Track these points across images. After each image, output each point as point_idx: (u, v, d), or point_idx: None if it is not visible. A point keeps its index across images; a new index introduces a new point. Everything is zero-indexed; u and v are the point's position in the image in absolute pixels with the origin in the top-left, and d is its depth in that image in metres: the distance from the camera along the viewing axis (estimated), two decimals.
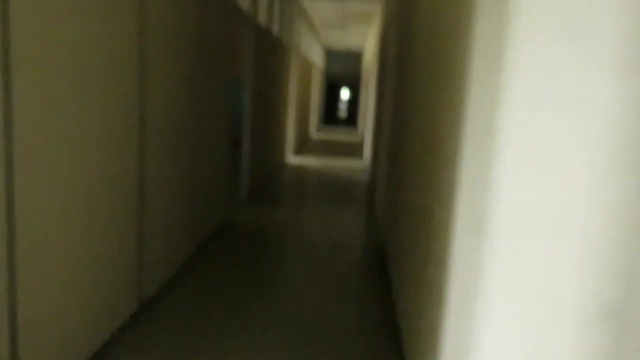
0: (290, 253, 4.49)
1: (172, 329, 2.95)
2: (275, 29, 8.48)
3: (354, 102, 22.77)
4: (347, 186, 8.08)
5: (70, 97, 2.17)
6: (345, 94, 22.76)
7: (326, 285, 3.82)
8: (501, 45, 1.38)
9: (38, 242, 2.02)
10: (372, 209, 6.55)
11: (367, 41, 15.28)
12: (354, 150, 13.83)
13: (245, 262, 4.17)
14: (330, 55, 21.87)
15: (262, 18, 8.02)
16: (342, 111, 23.06)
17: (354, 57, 21.69)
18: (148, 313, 3.13)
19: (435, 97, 2.28)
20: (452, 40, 1.99)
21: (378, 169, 6.39)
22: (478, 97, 1.56)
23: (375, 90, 8.29)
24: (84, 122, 2.29)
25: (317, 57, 16.80)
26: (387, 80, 5.74)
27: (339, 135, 18.42)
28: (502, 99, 1.34)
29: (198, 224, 4.25)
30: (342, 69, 21.96)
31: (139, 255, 3.06)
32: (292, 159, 10.85)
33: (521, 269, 1.14)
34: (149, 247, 3.20)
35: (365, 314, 3.36)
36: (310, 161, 10.71)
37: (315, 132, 17.90)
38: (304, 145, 13.71)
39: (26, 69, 1.87)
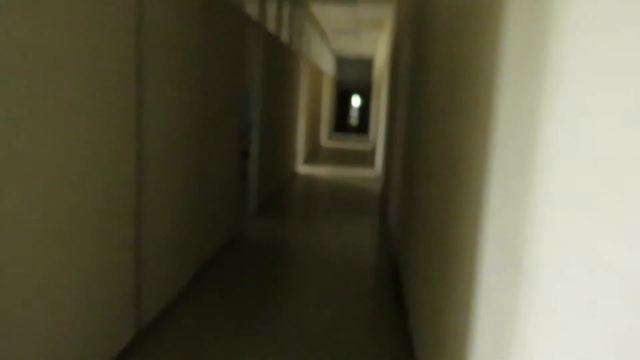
0: (300, 271, 4.27)
1: (171, 358, 2.74)
2: (285, 36, 8.31)
3: (365, 109, 22.56)
4: (359, 196, 7.85)
5: (57, 109, 1.98)
6: (356, 101, 22.56)
7: (337, 307, 3.59)
8: (543, 45, 1.15)
9: (18, 271, 1.83)
10: (385, 220, 6.31)
11: (378, 48, 15.09)
12: (366, 158, 13.60)
13: (253, 281, 3.95)
14: (341, 62, 21.72)
15: (270, 25, 7.85)
16: (354, 119, 22.85)
17: (365, 64, 21.51)
18: (146, 341, 2.92)
19: (456, 105, 2.05)
20: (477, 42, 1.77)
21: (391, 179, 6.16)
22: (512, 105, 1.34)
23: (387, 97, 8.08)
24: (73, 135, 2.10)
25: (327, 65, 16.64)
26: (399, 87, 5.52)
27: (350, 143, 18.20)
28: (546, 108, 1.11)
29: (204, 241, 4.05)
30: (353, 76, 21.78)
31: (137, 280, 2.86)
32: (303, 168, 10.64)
33: (573, 317, 0.92)
34: (148, 270, 3.00)
35: (379, 340, 3.13)
36: (321, 170, 10.49)
37: (326, 140, 17.70)
38: (314, 154, 13.51)
39: (4, 76, 1.68)
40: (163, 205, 3.15)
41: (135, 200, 2.76)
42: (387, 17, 10.75)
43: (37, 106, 1.87)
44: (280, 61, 7.06)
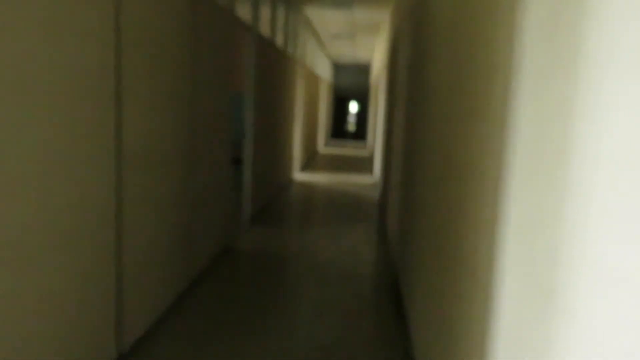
0: (295, 283, 4.05)
1: None
2: (279, 40, 8.12)
3: (362, 115, 22.39)
4: (357, 204, 7.64)
5: (29, 115, 1.77)
6: (353, 107, 22.39)
7: (335, 322, 3.37)
8: (578, 29, 0.95)
9: None
10: (384, 228, 6.10)
11: (375, 53, 14.94)
12: (364, 165, 13.40)
13: (246, 295, 3.73)
14: (338, 68, 21.57)
15: (264, 29, 7.68)
16: (351, 125, 22.67)
17: (362, 70, 21.37)
18: None
19: (463, 107, 1.85)
20: (487, 37, 1.57)
21: (389, 186, 5.95)
22: (537, 103, 1.13)
23: (385, 102, 7.89)
24: (41, 143, 1.89)
25: (324, 70, 16.47)
26: (397, 92, 5.33)
27: (347, 149, 18.01)
28: (585, 104, 0.91)
29: (193, 254, 3.83)
30: (350, 82, 21.63)
31: (118, 299, 2.64)
32: (299, 175, 10.44)
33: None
34: (131, 288, 2.78)
35: (379, 358, 2.91)
36: (318, 177, 10.29)
37: (323, 146, 17.51)
38: (311, 160, 13.31)
39: None
40: (147, 217, 2.94)
41: (115, 212, 2.55)
42: (383, 22, 10.59)
43: (6, 112, 1.67)
44: (274, 66, 6.87)
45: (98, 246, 2.39)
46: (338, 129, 22.67)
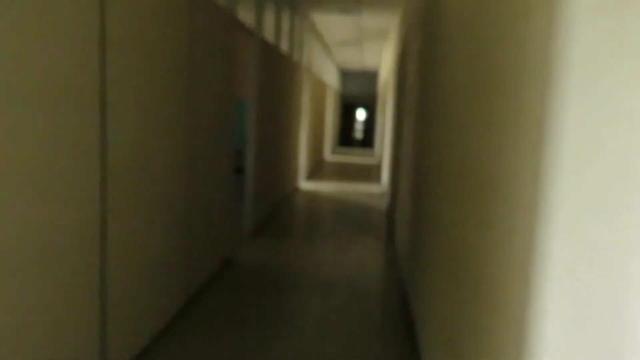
0: (299, 301, 3.81)
1: None
2: (284, 46, 7.92)
3: (370, 123, 22.16)
4: (364, 214, 7.39)
5: (3, 122, 1.55)
6: (361, 114, 22.17)
7: (340, 344, 3.12)
8: None
9: None
10: (392, 240, 5.84)
11: (383, 59, 14.74)
12: (371, 173, 13.15)
13: (246, 315, 3.49)
14: (345, 75, 21.38)
15: (268, 34, 7.49)
16: (358, 132, 22.43)
17: (369, 77, 21.16)
18: None
19: (486, 115, 1.62)
20: (519, 30, 1.33)
21: (397, 197, 5.70)
22: (588, 105, 0.89)
23: (393, 110, 7.67)
24: (15, 157, 1.67)
25: (331, 77, 16.27)
26: (407, 99, 5.09)
27: (355, 157, 17.77)
28: None
29: (190, 270, 3.60)
30: (358, 89, 21.43)
31: (102, 325, 2.40)
32: (305, 184, 10.20)
33: None
34: (117, 310, 2.55)
35: None
36: (324, 186, 10.05)
37: (330, 154, 17.28)
38: (317, 169, 13.08)
39: None
40: (137, 233, 2.71)
41: (100, 231, 2.32)
42: (391, 28, 10.38)
43: None
44: (279, 72, 6.66)
45: (79, 268, 2.17)
46: (345, 137, 22.45)
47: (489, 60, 1.63)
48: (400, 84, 6.18)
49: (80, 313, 2.21)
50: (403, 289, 4.22)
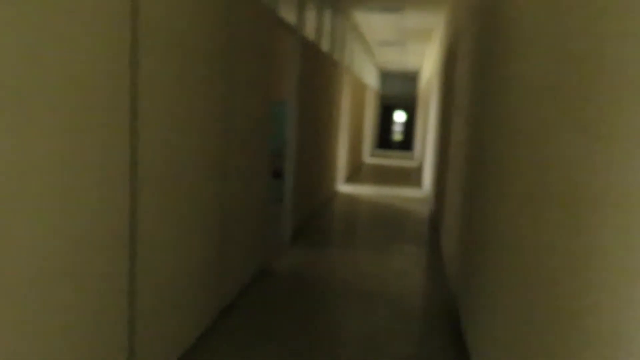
0: (338, 316, 3.56)
1: None
2: (325, 45, 7.69)
3: (408, 125, 21.72)
4: (406, 220, 7.08)
5: (27, 121, 1.37)
6: (400, 116, 21.76)
7: None
8: None
9: None
10: (437, 249, 5.53)
11: (425, 60, 14.36)
12: (411, 176, 12.79)
13: (284, 327, 3.27)
14: (385, 75, 21.02)
15: (310, 33, 7.27)
16: (398, 134, 22.01)
17: (409, 78, 20.74)
18: None
19: (577, 115, 1.34)
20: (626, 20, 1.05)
21: (444, 203, 5.39)
22: None
23: (438, 112, 7.34)
24: (40, 166, 1.49)
25: (370, 77, 15.98)
26: (456, 101, 4.78)
27: (394, 160, 17.40)
28: None
29: (225, 279, 3.40)
30: (397, 90, 21.03)
31: (130, 337, 2.22)
32: (344, 187, 9.95)
33: None
34: (147, 322, 2.36)
35: None
36: (363, 190, 9.77)
37: (368, 157, 16.98)
38: (356, 172, 12.80)
39: None
40: (169, 243, 2.52)
41: (129, 243, 2.14)
42: (435, 28, 10.03)
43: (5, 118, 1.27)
44: (319, 72, 6.44)
45: (108, 281, 1.98)
46: (384, 139, 22.06)
47: (579, 56, 1.35)
48: (447, 85, 5.86)
49: (109, 325, 2.03)
50: (452, 305, 3.92)
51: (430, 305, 3.89)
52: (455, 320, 3.62)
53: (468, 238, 3.35)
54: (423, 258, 5.23)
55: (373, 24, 10.38)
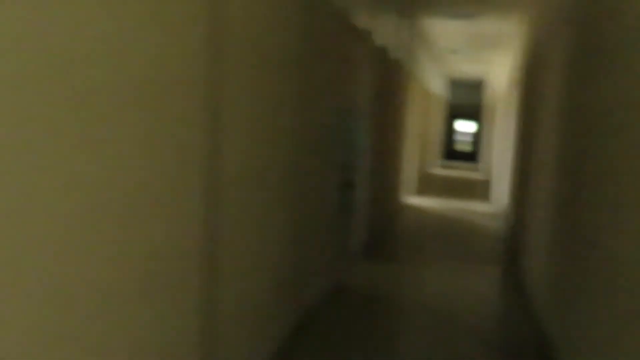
0: (412, 341, 3.31)
1: None
2: (395, 53, 7.47)
3: (476, 135, 21.00)
4: (476, 236, 6.71)
5: (98, 128, 1.25)
6: (467, 126, 21.10)
7: None
8: None
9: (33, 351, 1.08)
10: (517, 271, 5.15)
11: (494, 67, 13.82)
12: (479, 189, 12.28)
13: (354, 350, 3.05)
14: (451, 84, 20.45)
15: (380, 40, 7.07)
16: (465, 145, 21.30)
17: (475, 86, 20.08)
18: None
19: None
20: None
21: (525, 220, 5.02)
22: None
23: (518, 122, 6.93)
24: (115, 175, 1.37)
25: (437, 85, 15.56)
26: (542, 113, 4.43)
27: (460, 171, 16.86)
28: None
29: (298, 295, 3.24)
30: (462, 99, 20.42)
31: (211, 348, 2.08)
32: (411, 199, 9.64)
33: None
34: (221, 344, 2.21)
35: None
36: (430, 202, 9.42)
37: (434, 168, 16.52)
38: (422, 184, 12.44)
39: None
40: (243, 257, 2.37)
41: (205, 256, 2.00)
42: (506, 34, 9.56)
43: (67, 128, 1.15)
44: (389, 80, 6.22)
45: (183, 297, 1.85)
46: (450, 149, 21.36)
47: None
48: (530, 95, 5.49)
49: (191, 338, 1.89)
50: (539, 334, 3.57)
51: (509, 327, 3.57)
52: (543, 353, 3.28)
53: (565, 260, 3.02)
54: (500, 279, 4.88)
55: (442, 30, 10.05)
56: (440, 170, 16.59)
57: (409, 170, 9.53)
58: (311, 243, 3.51)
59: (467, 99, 20.41)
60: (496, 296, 4.34)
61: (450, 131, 21.19)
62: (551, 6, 4.51)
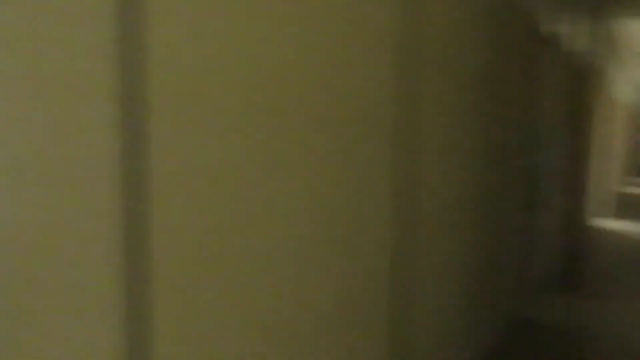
0: None
1: None
2: (584, 57, 6.72)
3: None
4: None
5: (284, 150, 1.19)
6: None
7: None
8: None
9: None
10: None
11: None
12: None
13: None
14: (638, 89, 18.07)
15: (568, 46, 6.42)
16: None
17: None
18: None
19: None
20: None
21: None
22: None
23: None
24: (296, 201, 1.29)
25: (623, 92, 13.85)
26: None
27: None
28: None
29: (479, 331, 2.95)
30: None
31: None
32: (595, 221, 8.58)
33: None
34: None
35: None
36: (622, 225, 8.29)
37: (621, 185, 14.66)
38: (607, 203, 11.08)
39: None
40: (426, 290, 2.18)
41: (391, 280, 1.85)
42: None
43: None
44: (579, 90, 5.58)
45: (368, 333, 1.72)
46: (634, 163, 18.87)
47: None
48: None
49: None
50: None
51: None
52: None
53: None
54: None
55: (636, 31, 8.87)
56: (630, 187, 14.66)
57: (600, 189, 8.52)
58: (494, 271, 3.19)
59: None
60: None
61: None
62: None
